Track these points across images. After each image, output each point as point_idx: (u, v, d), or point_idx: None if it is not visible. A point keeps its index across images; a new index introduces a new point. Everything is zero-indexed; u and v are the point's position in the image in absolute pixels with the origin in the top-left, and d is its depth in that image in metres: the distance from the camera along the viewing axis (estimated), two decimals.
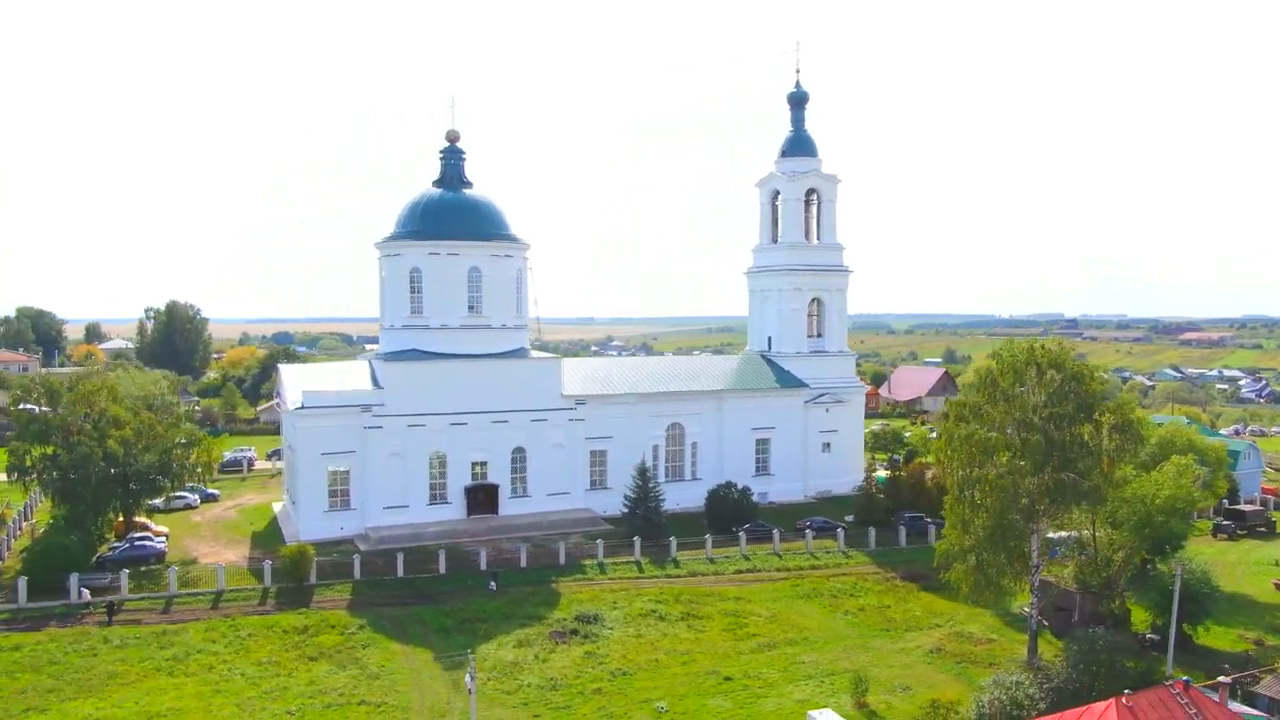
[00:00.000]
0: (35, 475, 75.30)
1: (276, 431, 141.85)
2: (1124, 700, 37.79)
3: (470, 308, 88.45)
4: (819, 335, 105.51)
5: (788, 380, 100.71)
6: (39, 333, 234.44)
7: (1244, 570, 78.39)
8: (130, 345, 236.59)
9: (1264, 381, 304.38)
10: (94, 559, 70.83)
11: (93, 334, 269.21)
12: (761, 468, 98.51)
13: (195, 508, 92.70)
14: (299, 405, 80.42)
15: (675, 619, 63.60)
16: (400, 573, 70.49)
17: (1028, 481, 53.67)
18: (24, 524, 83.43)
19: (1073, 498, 54.20)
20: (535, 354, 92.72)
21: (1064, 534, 62.84)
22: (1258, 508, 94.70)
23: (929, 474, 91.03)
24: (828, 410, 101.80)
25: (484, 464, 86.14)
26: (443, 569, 71.68)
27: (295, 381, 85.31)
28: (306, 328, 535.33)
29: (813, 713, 47.65)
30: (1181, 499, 60.83)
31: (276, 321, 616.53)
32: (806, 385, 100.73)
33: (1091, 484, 53.90)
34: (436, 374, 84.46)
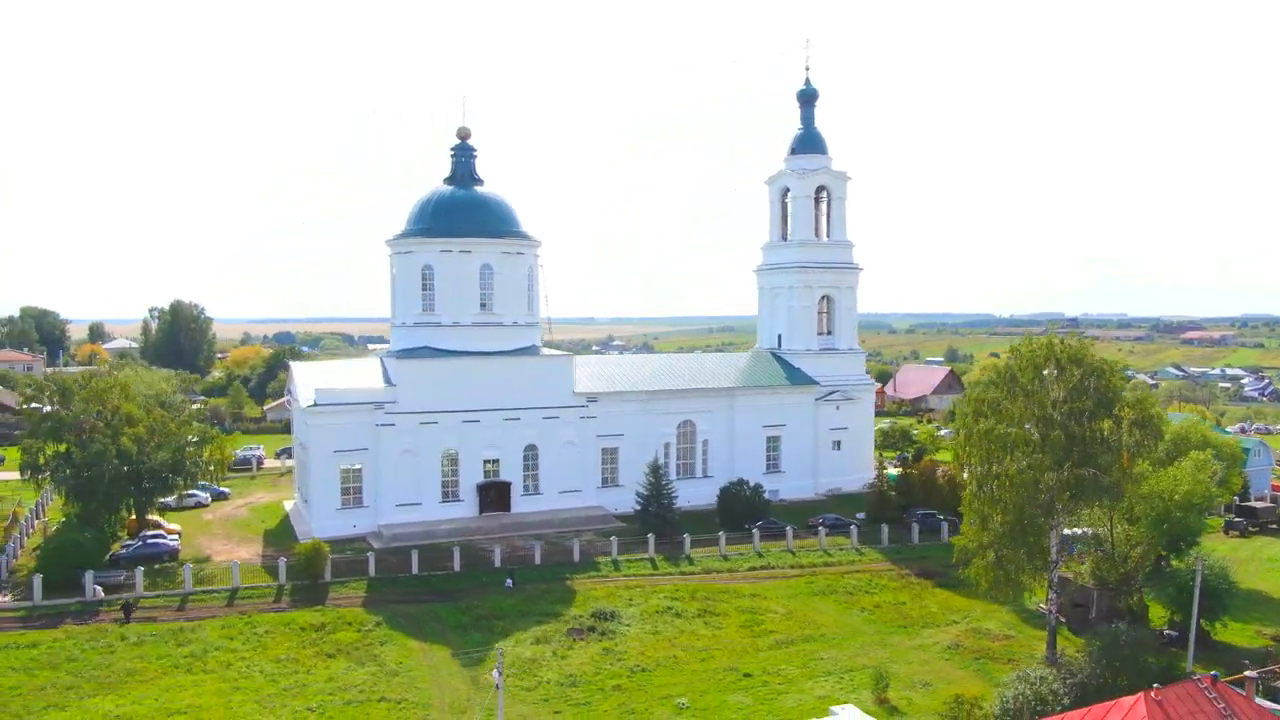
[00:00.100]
0: (48, 472, 75.21)
1: (284, 430, 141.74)
2: (1153, 694, 37.72)
3: (482, 305, 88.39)
4: (829, 333, 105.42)
5: (798, 378, 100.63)
6: (43, 332, 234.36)
7: (1257, 567, 78.34)
8: (134, 345, 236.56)
9: (1267, 380, 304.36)
10: (107, 557, 70.72)
11: (96, 334, 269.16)
12: (772, 465, 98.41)
13: (206, 506, 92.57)
14: (312, 403, 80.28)
15: (692, 616, 63.50)
16: (415, 570, 70.39)
17: (1048, 477, 53.58)
18: (36, 522, 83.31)
19: (1093, 493, 54.13)
20: (547, 351, 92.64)
21: (1080, 530, 62.77)
22: (1269, 504, 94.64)
23: (940, 471, 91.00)
24: (838, 408, 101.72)
25: (496, 462, 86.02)
26: (457, 566, 71.61)
27: (307, 379, 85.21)
28: (308, 328, 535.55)
29: (835, 708, 47.47)
30: (1200, 494, 60.74)
31: (277, 321, 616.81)
32: (817, 383, 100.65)
33: (1111, 479, 53.82)
34: (448, 371, 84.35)
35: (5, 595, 64.68)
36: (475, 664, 55.17)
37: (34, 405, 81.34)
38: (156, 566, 70.49)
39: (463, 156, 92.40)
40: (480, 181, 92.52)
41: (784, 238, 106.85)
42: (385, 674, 53.81)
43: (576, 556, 74.82)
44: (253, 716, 48.38)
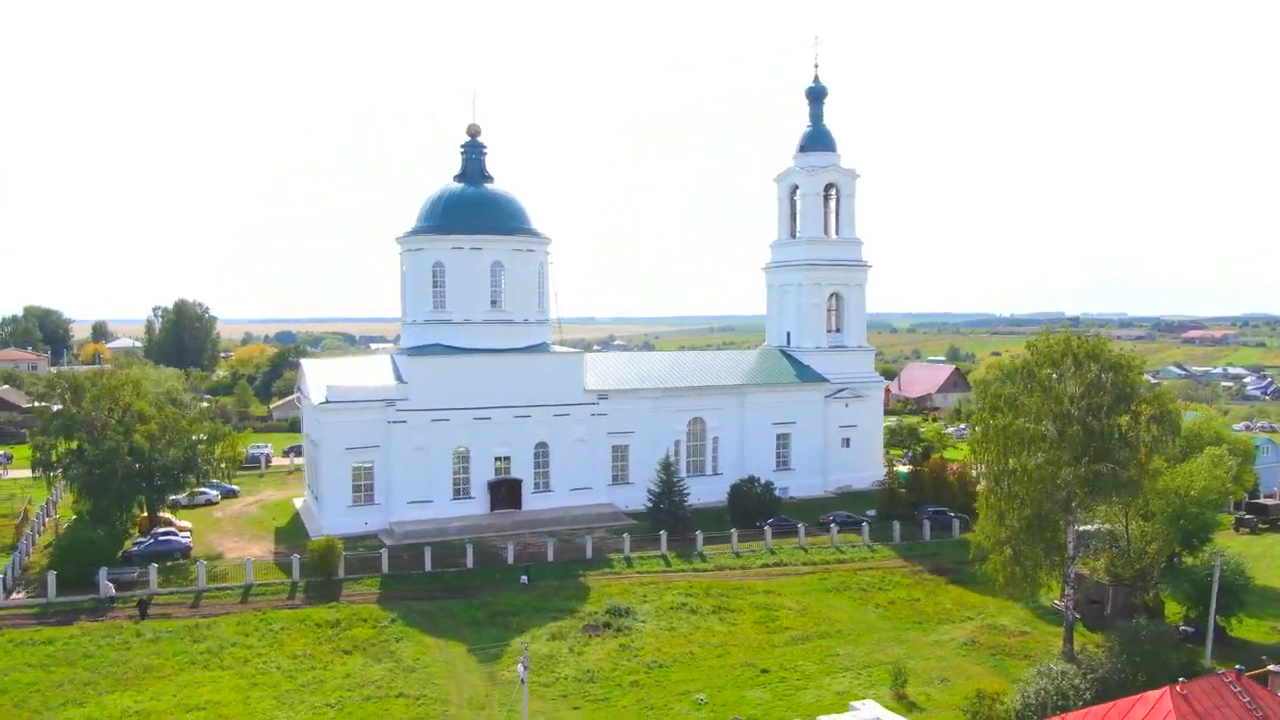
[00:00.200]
0: (60, 470, 75.14)
1: (289, 429, 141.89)
2: (1179, 689, 37.71)
3: (493, 302, 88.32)
4: (838, 330, 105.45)
5: (808, 375, 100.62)
6: (46, 332, 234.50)
7: (1269, 564, 78.25)
8: (138, 344, 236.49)
9: (1269, 379, 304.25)
10: (119, 554, 70.63)
11: (99, 333, 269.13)
12: (782, 463, 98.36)
13: (216, 503, 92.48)
14: (324, 400, 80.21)
15: (706, 612, 63.45)
16: (428, 567, 70.33)
17: (1065, 472, 53.51)
18: (47, 519, 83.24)
19: (1111, 489, 54.05)
20: (558, 349, 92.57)
21: (1096, 527, 62.72)
22: (1279, 502, 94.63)
23: (951, 468, 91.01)
24: (847, 405, 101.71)
25: (507, 459, 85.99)
26: (470, 563, 71.58)
27: (319, 376, 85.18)
28: (308, 328, 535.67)
29: (855, 704, 47.42)
30: (1215, 490, 60.72)
31: (278, 322, 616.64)
32: (827, 380, 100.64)
33: (1129, 475, 53.74)
34: (460, 369, 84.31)
35: (19, 592, 64.62)
36: (492, 660, 55.16)
37: (43, 403, 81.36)
38: (169, 564, 70.39)
39: (473, 153, 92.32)
40: (490, 179, 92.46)
41: (792, 235, 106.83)
42: (402, 670, 53.75)
43: (589, 553, 74.78)
44: (272, 712, 48.31)
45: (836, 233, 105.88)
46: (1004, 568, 55.32)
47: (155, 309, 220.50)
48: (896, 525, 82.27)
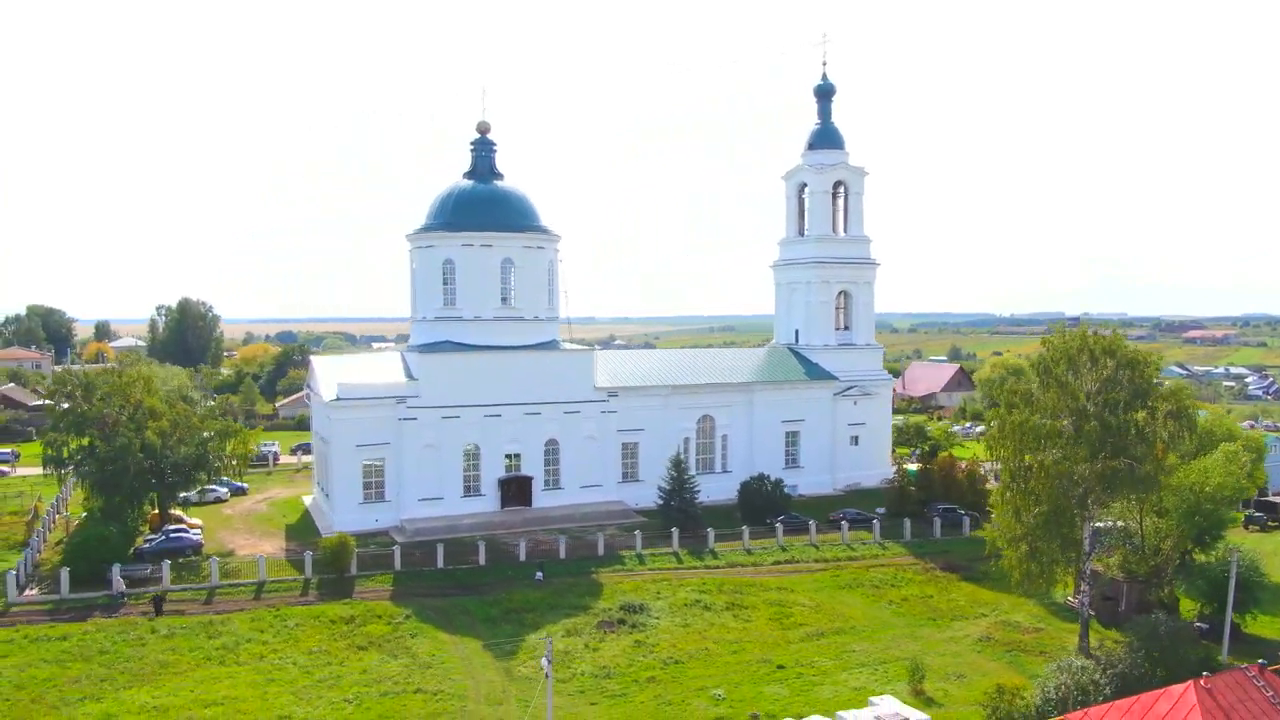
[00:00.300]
0: (72, 466, 75.07)
1: (295, 427, 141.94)
2: (1202, 683, 37.73)
3: (503, 299, 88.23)
4: (846, 328, 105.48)
5: (816, 372, 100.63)
6: (49, 331, 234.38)
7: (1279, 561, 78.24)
8: (141, 343, 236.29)
9: (1270, 379, 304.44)
10: (131, 551, 70.59)
11: (102, 332, 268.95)
12: (791, 460, 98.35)
13: (225, 501, 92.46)
14: (335, 397, 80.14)
15: (720, 609, 63.40)
16: (440, 564, 70.28)
17: (1081, 468, 53.47)
18: (56, 516, 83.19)
19: (1127, 485, 53.99)
20: (568, 346, 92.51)
21: (1110, 523, 62.67)
22: None
23: (961, 466, 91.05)
24: (856, 403, 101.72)
25: (517, 456, 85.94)
26: (482, 560, 71.53)
27: (329, 374, 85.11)
28: (309, 327, 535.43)
29: (873, 699, 47.47)
30: (1230, 487, 60.69)
31: (278, 321, 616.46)
32: (835, 378, 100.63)
33: (1146, 471, 53.70)
34: (471, 366, 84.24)
35: (32, 589, 64.58)
36: (508, 656, 55.11)
37: (52, 401, 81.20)
38: (180, 560, 70.42)
39: (482, 151, 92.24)
40: (500, 176, 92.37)
41: (801, 233, 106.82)
42: (418, 666, 53.68)
43: (601, 550, 74.70)
44: (290, 708, 48.20)
45: (845, 230, 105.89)
46: (1020, 564, 55.25)
47: (159, 308, 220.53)
48: (907, 523, 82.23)
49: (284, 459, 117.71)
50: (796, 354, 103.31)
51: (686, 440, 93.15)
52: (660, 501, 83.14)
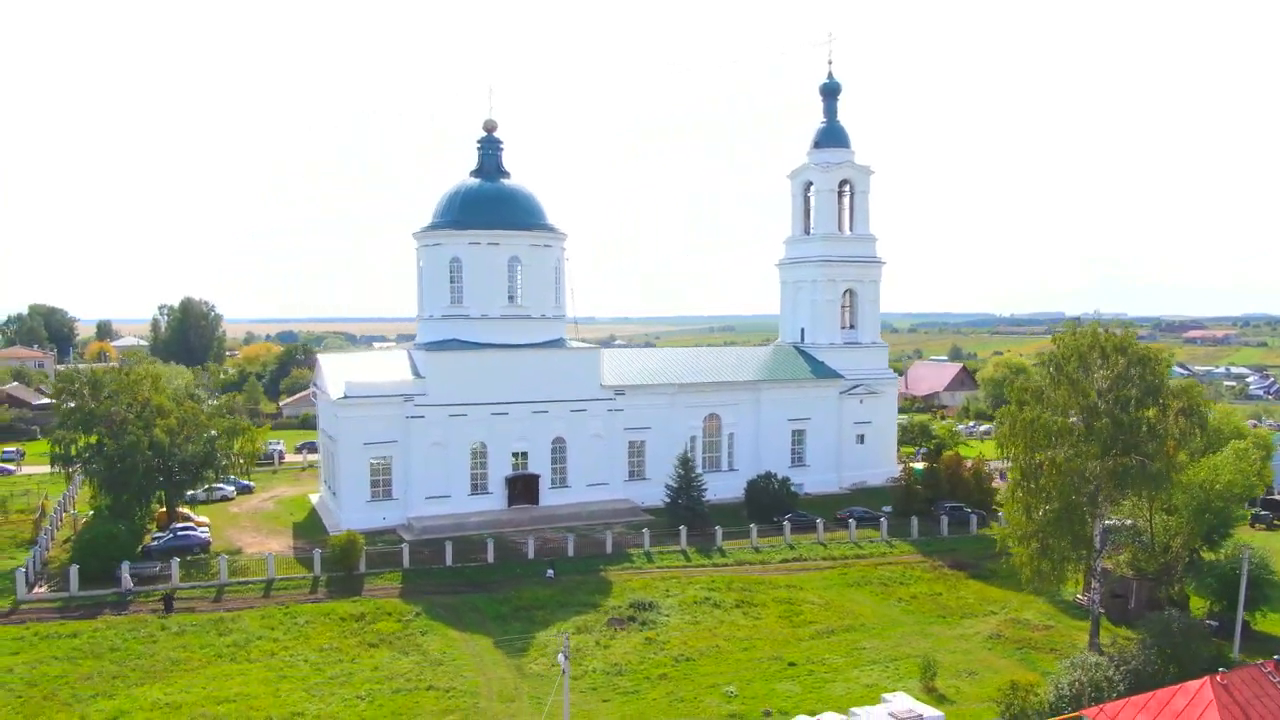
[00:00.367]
0: (80, 464, 75.02)
1: (299, 426, 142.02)
2: (1218, 679, 37.85)
3: (510, 298, 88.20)
4: (852, 326, 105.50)
5: (822, 371, 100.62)
6: (51, 330, 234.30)
7: None
8: (143, 343, 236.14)
9: (1271, 379, 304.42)
10: (139, 548, 70.59)
11: (104, 331, 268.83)
12: (797, 459, 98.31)
13: (231, 499, 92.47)
14: (342, 395, 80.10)
15: (730, 606, 63.42)
16: (449, 561, 70.28)
17: (1093, 465, 53.48)
18: (64, 514, 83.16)
19: (1138, 482, 54.01)
20: (574, 344, 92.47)
21: (1119, 521, 62.67)
22: None
23: (967, 465, 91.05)
24: (861, 401, 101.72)
25: (524, 454, 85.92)
26: (491, 558, 71.54)
27: (336, 372, 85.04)
28: (309, 327, 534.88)
29: (885, 696, 47.47)
30: (1240, 484, 60.69)
31: (278, 321, 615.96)
32: (841, 376, 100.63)
33: (1157, 468, 53.72)
34: (478, 364, 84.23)
35: (41, 586, 64.59)
36: (519, 653, 55.12)
37: (59, 399, 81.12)
38: (188, 558, 70.39)
39: (489, 149, 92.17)
40: (507, 174, 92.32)
41: (806, 231, 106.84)
42: (430, 663, 53.69)
43: (609, 548, 74.72)
44: (302, 705, 48.21)
45: (851, 229, 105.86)
46: (1031, 561, 55.30)
47: (161, 307, 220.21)
48: (914, 521, 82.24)
49: (290, 457, 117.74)
50: (802, 352, 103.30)
51: (693, 438, 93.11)
52: (667, 500, 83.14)
